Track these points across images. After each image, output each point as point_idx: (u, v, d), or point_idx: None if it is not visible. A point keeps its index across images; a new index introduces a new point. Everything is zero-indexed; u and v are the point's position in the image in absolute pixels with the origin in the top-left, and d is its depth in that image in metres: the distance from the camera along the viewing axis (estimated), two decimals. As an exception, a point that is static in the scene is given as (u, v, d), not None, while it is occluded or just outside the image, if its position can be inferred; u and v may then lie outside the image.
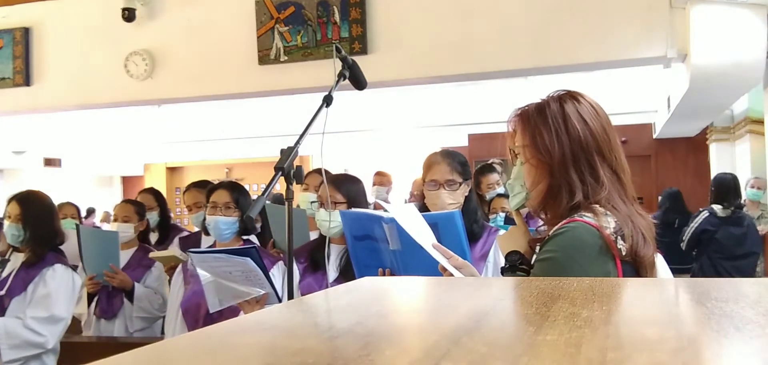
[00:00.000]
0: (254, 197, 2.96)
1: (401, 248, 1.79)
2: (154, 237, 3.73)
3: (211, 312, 2.32)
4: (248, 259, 2.18)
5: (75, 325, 3.30)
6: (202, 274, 2.29)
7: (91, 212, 10.77)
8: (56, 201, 4.25)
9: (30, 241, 2.63)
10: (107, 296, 3.13)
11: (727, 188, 4.83)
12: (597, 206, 1.23)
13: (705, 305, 0.64)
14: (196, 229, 3.57)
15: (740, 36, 4.05)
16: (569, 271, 1.17)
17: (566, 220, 1.23)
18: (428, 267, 1.64)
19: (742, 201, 5.18)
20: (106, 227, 9.14)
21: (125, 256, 3.22)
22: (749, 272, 4.78)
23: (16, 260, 2.66)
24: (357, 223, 1.94)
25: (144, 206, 3.51)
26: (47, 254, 2.63)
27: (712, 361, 0.46)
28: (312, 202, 2.60)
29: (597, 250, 1.18)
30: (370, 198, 5.50)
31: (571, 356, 0.45)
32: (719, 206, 4.79)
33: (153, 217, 3.68)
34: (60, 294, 2.58)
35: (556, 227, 1.24)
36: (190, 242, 3.44)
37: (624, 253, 1.18)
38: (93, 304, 3.14)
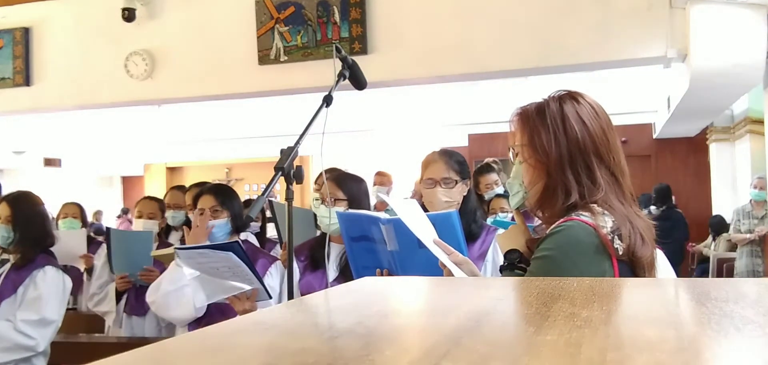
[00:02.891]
0: (247, 197, 2.96)
1: (398, 249, 1.79)
2: (176, 236, 3.71)
3: (197, 306, 2.33)
4: (231, 253, 2.17)
5: (99, 324, 3.31)
6: (188, 270, 2.29)
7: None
8: (57, 201, 4.27)
9: (20, 242, 2.61)
10: (136, 294, 3.14)
11: (662, 193, 6.72)
12: (594, 205, 1.23)
13: (705, 305, 0.64)
14: None
15: (740, 36, 4.05)
16: (565, 269, 1.17)
17: (563, 219, 1.23)
18: (425, 268, 1.63)
19: (748, 201, 5.95)
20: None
21: None
22: (677, 253, 6.37)
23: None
24: (354, 224, 1.94)
25: (164, 202, 3.50)
26: (37, 256, 2.61)
27: (712, 361, 0.46)
28: (315, 199, 2.61)
29: (593, 249, 1.18)
30: (371, 199, 5.51)
31: (571, 356, 0.45)
32: (655, 207, 6.67)
33: (180, 215, 3.65)
34: (50, 296, 2.56)
35: (552, 225, 1.24)
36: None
37: (620, 252, 1.18)
38: (123, 302, 3.16)
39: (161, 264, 3.19)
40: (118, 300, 3.15)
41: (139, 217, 3.34)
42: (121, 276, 3.08)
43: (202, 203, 2.57)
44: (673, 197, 7.37)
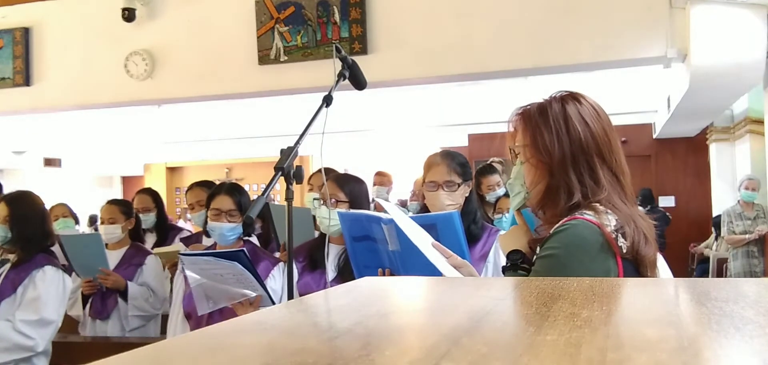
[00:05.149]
0: (252, 197, 2.94)
1: (400, 249, 1.79)
2: (151, 238, 3.72)
3: (199, 313, 2.32)
4: (236, 263, 2.16)
5: (72, 325, 3.30)
6: (191, 276, 2.28)
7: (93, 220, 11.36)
8: (56, 202, 4.26)
9: (18, 242, 2.61)
10: (101, 297, 3.14)
11: (646, 195, 7.70)
12: (597, 204, 1.23)
13: (705, 305, 0.64)
14: (198, 229, 3.56)
15: (740, 36, 4.05)
16: (570, 268, 1.17)
17: (567, 218, 1.23)
18: (427, 268, 1.63)
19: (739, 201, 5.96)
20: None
21: (117, 255, 3.21)
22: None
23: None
24: (356, 224, 1.94)
25: (130, 204, 3.47)
26: (37, 255, 2.61)
27: (712, 361, 0.46)
28: (314, 199, 2.60)
29: (598, 247, 1.18)
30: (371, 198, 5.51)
31: (571, 356, 0.45)
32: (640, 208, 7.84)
33: (150, 218, 3.67)
34: (50, 296, 2.55)
35: (557, 224, 1.24)
36: (192, 242, 3.43)
37: (625, 251, 1.18)
38: (88, 306, 3.15)
39: (136, 266, 3.19)
40: (84, 303, 3.15)
41: (102, 223, 3.33)
42: (87, 280, 3.07)
43: (219, 203, 2.53)
44: (673, 198, 7.84)
